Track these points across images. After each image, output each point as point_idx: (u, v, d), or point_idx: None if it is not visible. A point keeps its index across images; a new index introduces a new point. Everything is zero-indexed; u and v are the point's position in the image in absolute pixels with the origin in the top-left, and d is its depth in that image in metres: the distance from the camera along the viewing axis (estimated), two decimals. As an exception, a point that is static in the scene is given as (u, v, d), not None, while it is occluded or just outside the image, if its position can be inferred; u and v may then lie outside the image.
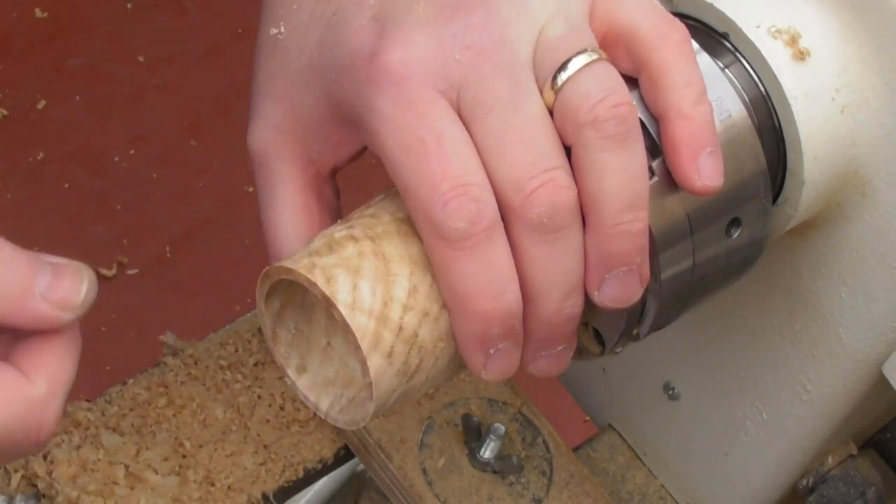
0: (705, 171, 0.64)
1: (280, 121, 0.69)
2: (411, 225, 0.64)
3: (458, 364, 0.67)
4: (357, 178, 2.22)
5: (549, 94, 0.63)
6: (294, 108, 0.68)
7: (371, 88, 0.63)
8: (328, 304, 0.63)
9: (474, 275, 0.62)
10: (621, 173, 0.62)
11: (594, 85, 0.62)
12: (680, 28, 0.65)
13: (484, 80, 0.62)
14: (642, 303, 0.68)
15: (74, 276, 0.60)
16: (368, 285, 0.63)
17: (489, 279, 0.62)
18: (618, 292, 0.64)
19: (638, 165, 0.62)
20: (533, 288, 0.63)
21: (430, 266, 0.64)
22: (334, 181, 0.70)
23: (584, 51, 0.63)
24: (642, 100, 0.66)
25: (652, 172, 0.66)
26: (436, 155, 0.61)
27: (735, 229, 0.69)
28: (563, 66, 0.62)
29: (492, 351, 0.64)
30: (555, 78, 0.62)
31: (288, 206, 0.68)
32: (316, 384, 0.68)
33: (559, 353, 0.66)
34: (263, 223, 0.69)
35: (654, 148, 0.66)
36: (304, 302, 0.67)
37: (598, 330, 0.70)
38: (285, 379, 0.68)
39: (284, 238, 0.69)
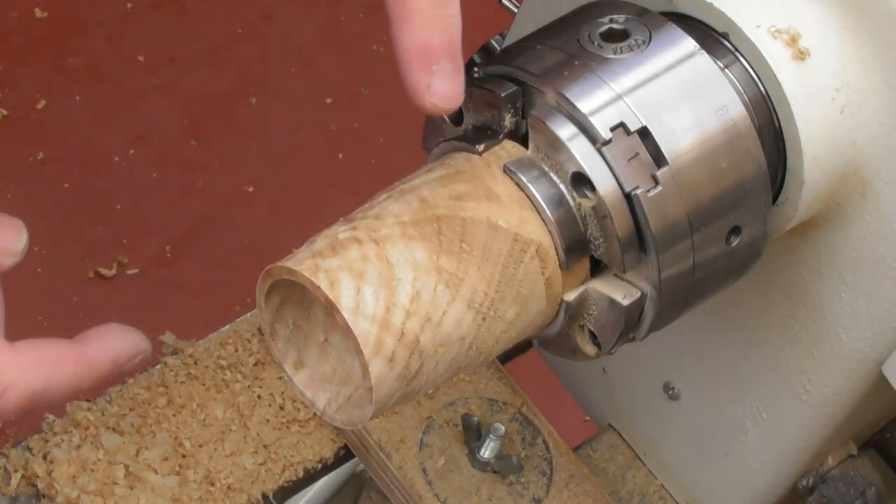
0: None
1: None
2: (415, 228, 0.64)
3: (457, 367, 0.67)
4: (358, 177, 2.23)
5: None
6: None
7: None
8: (331, 308, 0.63)
9: None
10: None
11: None
12: None
13: None
14: (641, 305, 0.69)
15: (13, 227, 0.67)
16: (372, 290, 0.63)
17: None
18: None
19: None
20: None
21: (434, 271, 0.64)
22: None
23: None
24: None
25: (656, 181, 0.66)
26: None
27: (735, 237, 0.70)
28: None
29: (434, 68, 0.64)
30: None
31: None
32: (313, 380, 0.68)
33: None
34: None
35: (659, 156, 0.66)
36: (303, 298, 0.67)
37: (594, 332, 0.70)
38: (283, 374, 0.68)
39: None
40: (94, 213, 2.04)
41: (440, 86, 0.64)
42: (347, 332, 0.62)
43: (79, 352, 0.73)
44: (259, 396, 0.95)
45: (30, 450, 0.91)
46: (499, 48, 0.97)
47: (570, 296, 0.69)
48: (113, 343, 0.74)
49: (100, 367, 0.73)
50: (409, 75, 0.64)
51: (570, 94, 0.67)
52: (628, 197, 0.66)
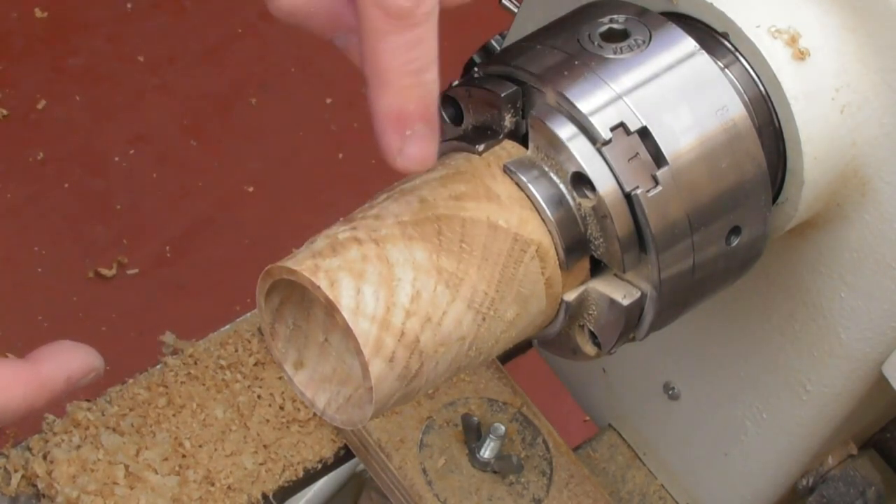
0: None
1: None
2: (415, 228, 0.64)
3: (457, 367, 0.67)
4: (358, 177, 2.22)
5: None
6: None
7: None
8: (331, 308, 0.63)
9: (402, 50, 0.63)
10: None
11: None
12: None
13: None
14: (641, 305, 0.69)
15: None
16: (372, 290, 0.63)
17: (415, 56, 0.63)
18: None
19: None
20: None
21: (434, 271, 0.64)
22: None
23: None
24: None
25: (656, 181, 0.66)
26: None
27: (735, 237, 0.70)
28: None
29: (408, 132, 0.64)
30: None
31: None
32: (313, 380, 0.68)
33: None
34: None
35: (659, 156, 0.66)
36: (303, 298, 0.67)
37: (594, 332, 0.70)
38: (283, 374, 0.68)
39: None
40: (94, 213, 2.04)
41: (412, 149, 0.64)
42: (347, 332, 0.62)
43: (32, 372, 0.72)
44: (259, 396, 0.95)
45: (30, 450, 0.91)
46: (499, 48, 0.97)
47: (570, 296, 0.69)
48: (66, 361, 0.74)
49: (53, 386, 0.73)
50: (382, 138, 0.64)
51: (570, 94, 0.67)
52: (628, 197, 0.66)
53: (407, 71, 0.63)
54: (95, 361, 0.75)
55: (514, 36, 0.90)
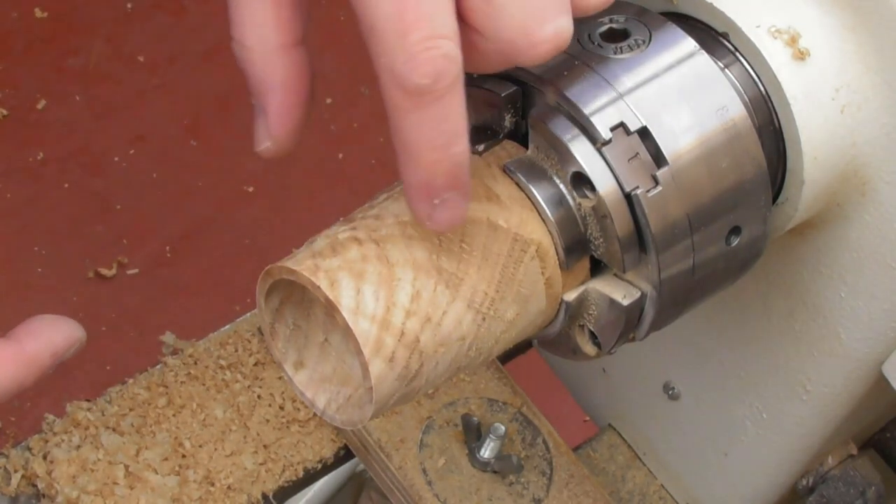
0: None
1: None
2: (415, 228, 0.64)
3: (457, 367, 0.67)
4: (358, 177, 2.22)
5: None
6: None
7: None
8: (331, 308, 0.63)
9: (427, 126, 0.61)
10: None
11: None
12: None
13: None
14: (641, 305, 0.69)
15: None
16: (372, 290, 0.63)
17: (441, 131, 0.62)
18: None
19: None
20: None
21: (434, 271, 0.64)
22: None
23: None
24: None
25: (656, 181, 0.66)
26: (413, 1, 0.60)
27: (735, 237, 0.70)
28: None
29: (436, 201, 0.63)
30: None
31: None
32: (313, 380, 0.68)
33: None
34: (231, 10, 0.66)
35: (659, 156, 0.66)
36: (303, 298, 0.67)
37: (594, 332, 0.70)
38: (283, 374, 0.68)
39: (254, 27, 0.66)
40: (94, 213, 2.04)
41: (441, 215, 0.64)
42: (347, 332, 0.62)
43: (18, 350, 0.72)
44: (259, 396, 0.95)
45: (30, 450, 0.91)
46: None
47: (570, 296, 0.69)
48: (50, 336, 0.74)
49: (40, 363, 0.73)
50: (411, 204, 0.64)
51: (570, 94, 0.67)
52: (628, 197, 0.66)
53: (432, 146, 0.62)
54: (77, 332, 0.75)
55: (514, 36, 0.90)
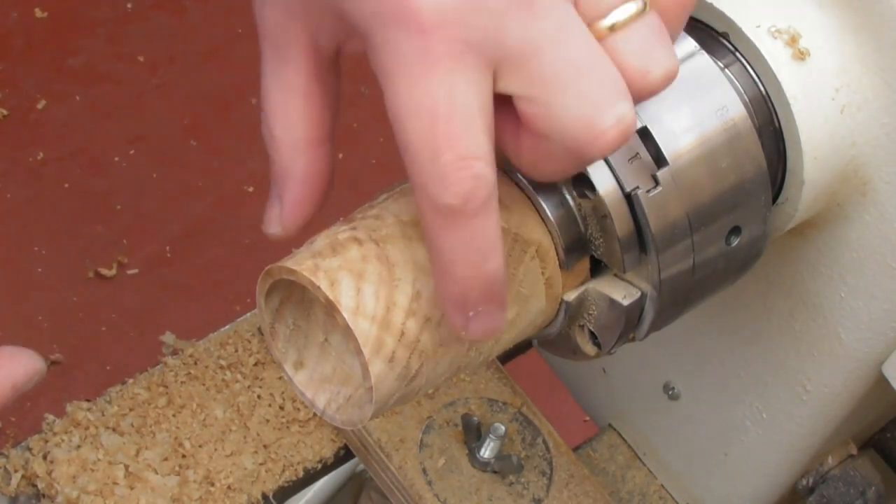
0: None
1: (291, 3, 0.66)
2: (415, 228, 0.64)
3: (457, 367, 0.67)
4: (358, 177, 2.22)
5: None
6: None
7: (394, 24, 0.59)
8: (331, 308, 0.63)
9: (460, 243, 0.61)
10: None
11: None
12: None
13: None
14: (641, 305, 0.69)
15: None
16: (372, 290, 0.63)
17: (473, 249, 0.62)
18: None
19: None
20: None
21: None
22: (338, 64, 0.68)
23: None
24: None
25: (656, 181, 0.66)
26: (445, 122, 0.59)
27: (735, 237, 0.69)
28: None
29: (471, 314, 0.63)
30: None
31: (291, 89, 0.67)
32: (313, 380, 0.68)
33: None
34: (263, 101, 0.68)
35: (659, 156, 0.66)
36: (303, 298, 0.67)
37: (594, 332, 0.70)
38: (283, 374, 0.68)
39: (284, 120, 0.67)
40: (94, 213, 2.04)
41: (477, 326, 0.64)
42: (347, 332, 0.62)
43: None
44: (259, 396, 0.95)
45: (30, 450, 0.91)
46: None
47: (570, 296, 0.69)
48: (10, 368, 0.73)
49: (1, 395, 0.73)
50: (447, 314, 0.64)
51: (570, 94, 0.67)
52: (628, 197, 0.66)
53: (466, 263, 0.62)
54: (38, 364, 0.75)
55: (514, 36, 0.90)
